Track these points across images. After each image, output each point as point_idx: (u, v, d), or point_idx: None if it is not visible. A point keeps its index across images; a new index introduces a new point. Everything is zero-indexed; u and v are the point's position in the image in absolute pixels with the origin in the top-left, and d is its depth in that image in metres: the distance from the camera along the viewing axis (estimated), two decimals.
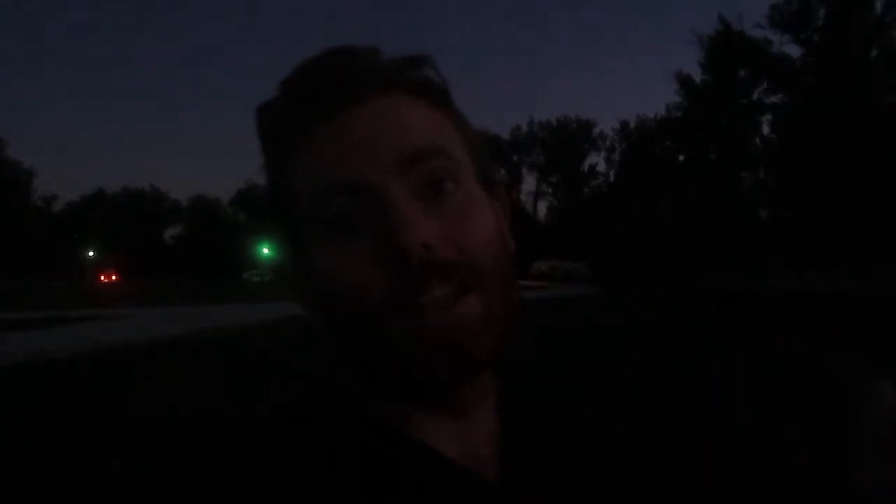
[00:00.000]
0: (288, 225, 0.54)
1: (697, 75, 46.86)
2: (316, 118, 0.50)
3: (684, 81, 47.48)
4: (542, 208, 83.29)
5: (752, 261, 33.83)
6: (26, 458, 5.05)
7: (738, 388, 7.56)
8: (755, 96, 44.56)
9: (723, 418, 6.08)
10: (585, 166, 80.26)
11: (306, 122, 0.51)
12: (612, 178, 75.91)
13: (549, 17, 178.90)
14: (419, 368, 0.47)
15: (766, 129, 45.13)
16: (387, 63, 0.53)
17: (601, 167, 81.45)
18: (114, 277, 78.93)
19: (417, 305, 0.46)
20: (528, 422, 0.59)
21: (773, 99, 43.68)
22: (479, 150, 0.56)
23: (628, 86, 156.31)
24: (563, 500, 0.54)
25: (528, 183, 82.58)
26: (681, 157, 52.15)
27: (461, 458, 0.51)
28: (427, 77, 0.54)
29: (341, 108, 0.50)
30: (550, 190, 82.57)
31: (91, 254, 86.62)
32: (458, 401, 0.52)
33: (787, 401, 6.84)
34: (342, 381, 0.55)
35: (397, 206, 0.47)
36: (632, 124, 71.06)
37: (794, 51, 41.85)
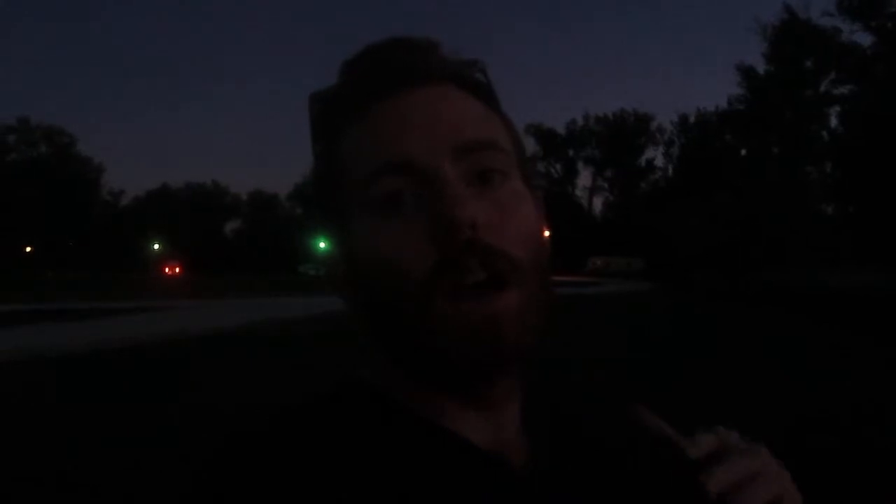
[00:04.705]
0: (334, 204, 0.54)
1: (761, 66, 45.48)
2: (374, 96, 0.52)
3: (747, 73, 46.12)
4: (597, 203, 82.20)
5: (817, 259, 32.69)
6: (92, 440, 5.34)
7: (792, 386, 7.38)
8: (822, 87, 42.96)
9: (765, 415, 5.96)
10: (642, 161, 78.74)
11: (364, 100, 0.52)
12: (670, 172, 74.30)
13: (605, 7, 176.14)
14: (455, 355, 0.48)
15: (833, 122, 43.50)
16: (445, 57, 0.55)
17: (659, 162, 79.60)
18: (177, 270, 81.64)
19: (459, 286, 0.47)
20: (553, 414, 0.60)
21: (841, 90, 42.05)
22: (524, 152, 0.58)
23: (688, 78, 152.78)
24: (590, 491, 0.55)
25: (584, 178, 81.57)
26: (742, 152, 50.69)
27: (490, 448, 0.52)
28: (479, 78, 0.56)
29: (400, 90, 0.51)
30: (606, 185, 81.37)
31: (156, 247, 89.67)
32: (490, 393, 0.52)
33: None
34: (371, 371, 0.55)
35: (449, 186, 0.48)
36: (691, 118, 69.39)
37: (864, 39, 40.09)
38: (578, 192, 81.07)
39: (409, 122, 0.50)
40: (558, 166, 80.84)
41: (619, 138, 77.74)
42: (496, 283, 0.48)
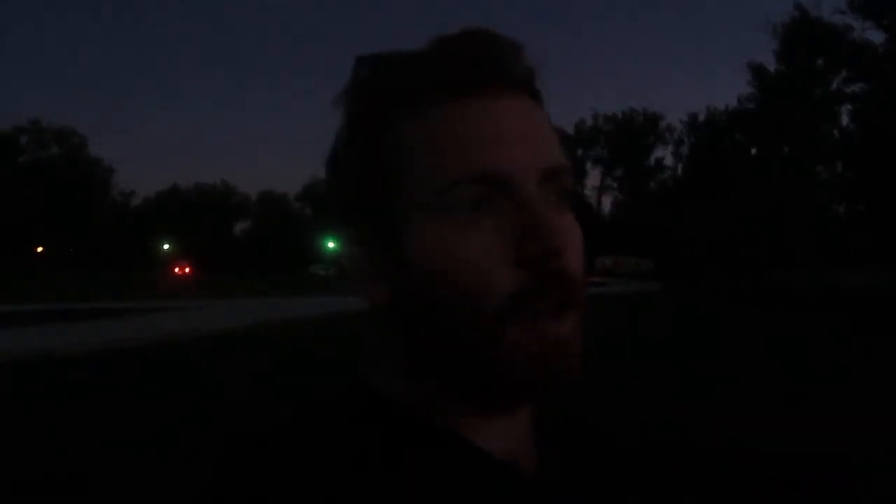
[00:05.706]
0: (384, 200, 0.49)
1: (772, 65, 45.15)
2: (461, 90, 0.48)
3: (757, 71, 45.81)
4: (606, 203, 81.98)
5: (825, 258, 32.44)
6: (92, 440, 5.34)
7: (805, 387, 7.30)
8: (834, 86, 42.61)
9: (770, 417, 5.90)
10: (652, 160, 78.47)
11: (448, 90, 0.48)
12: (679, 172, 73.98)
13: (614, 5, 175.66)
14: (517, 377, 0.46)
15: (845, 121, 43.16)
16: (529, 64, 0.51)
17: (668, 161, 79.30)
18: (187, 270, 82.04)
19: (533, 312, 0.46)
20: (562, 418, 0.60)
21: (853, 88, 41.69)
22: None
23: (698, 77, 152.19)
24: (598, 496, 0.55)
25: (593, 177, 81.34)
26: (753, 151, 50.36)
27: (504, 453, 0.51)
28: (541, 90, 0.53)
29: (489, 93, 0.48)
30: (615, 184, 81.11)
31: (166, 247, 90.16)
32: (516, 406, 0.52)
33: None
34: (379, 374, 0.53)
35: (540, 209, 0.46)
36: (701, 117, 69.08)
37: (876, 37, 39.75)
38: (587, 192, 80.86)
39: (501, 133, 0.47)
40: None
41: (628, 138, 77.47)
42: (561, 308, 0.47)
